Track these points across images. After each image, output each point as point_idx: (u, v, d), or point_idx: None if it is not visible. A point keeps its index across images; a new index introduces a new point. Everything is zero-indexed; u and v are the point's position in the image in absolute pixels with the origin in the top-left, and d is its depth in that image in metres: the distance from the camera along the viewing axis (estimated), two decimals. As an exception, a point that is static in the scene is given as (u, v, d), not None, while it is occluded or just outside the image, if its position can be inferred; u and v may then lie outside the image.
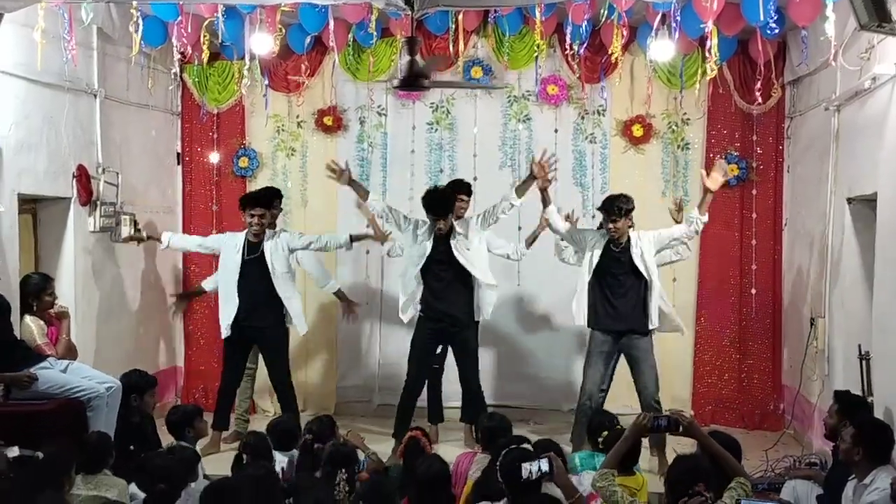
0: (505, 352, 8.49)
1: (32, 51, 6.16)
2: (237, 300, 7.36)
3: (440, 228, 7.11)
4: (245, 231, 7.47)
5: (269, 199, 7.56)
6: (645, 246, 6.88)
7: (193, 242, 7.83)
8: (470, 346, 7.42)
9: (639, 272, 6.83)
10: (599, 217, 8.27)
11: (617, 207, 6.81)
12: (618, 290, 6.91)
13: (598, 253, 6.95)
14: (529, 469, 4.36)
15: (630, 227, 6.92)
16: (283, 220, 8.69)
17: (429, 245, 7.18)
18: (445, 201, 7.16)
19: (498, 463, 4.59)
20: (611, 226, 6.85)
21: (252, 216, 7.33)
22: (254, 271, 7.36)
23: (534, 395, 8.64)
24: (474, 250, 7.25)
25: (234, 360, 7.63)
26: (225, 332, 7.48)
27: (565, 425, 8.02)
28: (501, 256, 7.72)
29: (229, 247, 7.48)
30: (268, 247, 7.38)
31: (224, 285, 7.49)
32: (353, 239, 7.57)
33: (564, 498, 4.38)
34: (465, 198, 7.61)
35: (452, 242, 7.17)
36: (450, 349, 7.59)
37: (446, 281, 7.24)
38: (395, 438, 7.24)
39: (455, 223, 7.25)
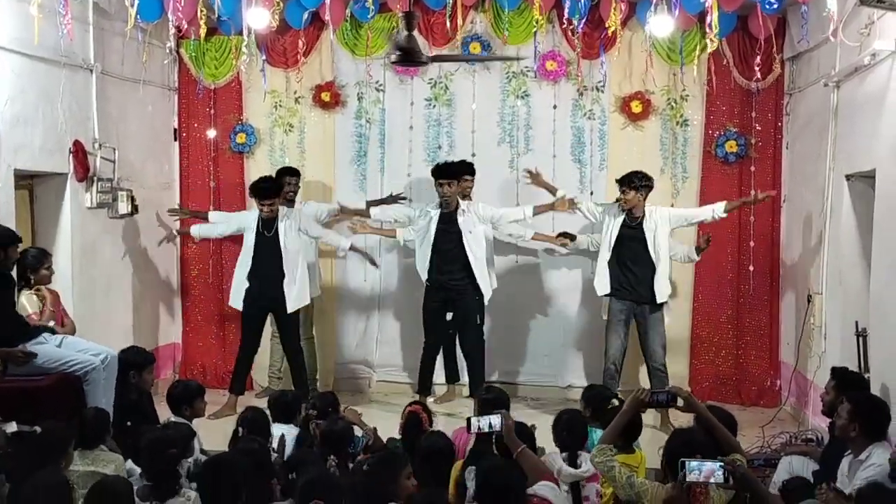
0: (503, 328, 8.48)
1: (28, 26, 6.14)
2: (252, 274, 7.69)
3: (446, 194, 7.50)
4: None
5: (277, 189, 7.67)
6: (659, 222, 7.29)
7: (216, 232, 8.12)
8: (471, 316, 7.72)
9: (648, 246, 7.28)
10: (598, 195, 8.35)
11: (628, 180, 7.22)
12: (631, 261, 7.35)
13: (617, 224, 7.37)
14: (479, 424, 4.69)
15: (641, 202, 7.29)
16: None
17: (434, 216, 7.61)
18: (452, 167, 7.62)
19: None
20: (621, 196, 7.26)
21: (262, 205, 7.56)
22: (268, 248, 7.64)
23: (532, 370, 8.66)
24: (476, 234, 7.62)
25: (252, 330, 7.87)
26: (233, 301, 7.86)
27: (563, 401, 8.07)
28: (511, 236, 8.10)
29: (246, 224, 7.77)
30: (282, 227, 7.63)
31: (241, 259, 7.79)
32: (351, 248, 8.10)
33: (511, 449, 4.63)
34: (468, 177, 7.88)
35: (459, 218, 7.56)
36: None
37: (449, 253, 7.62)
38: (419, 394, 7.84)
39: (462, 202, 7.62)
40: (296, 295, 7.68)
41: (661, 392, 4.85)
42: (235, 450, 4.85)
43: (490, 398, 5.81)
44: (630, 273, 7.35)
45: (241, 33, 7.48)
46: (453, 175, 7.56)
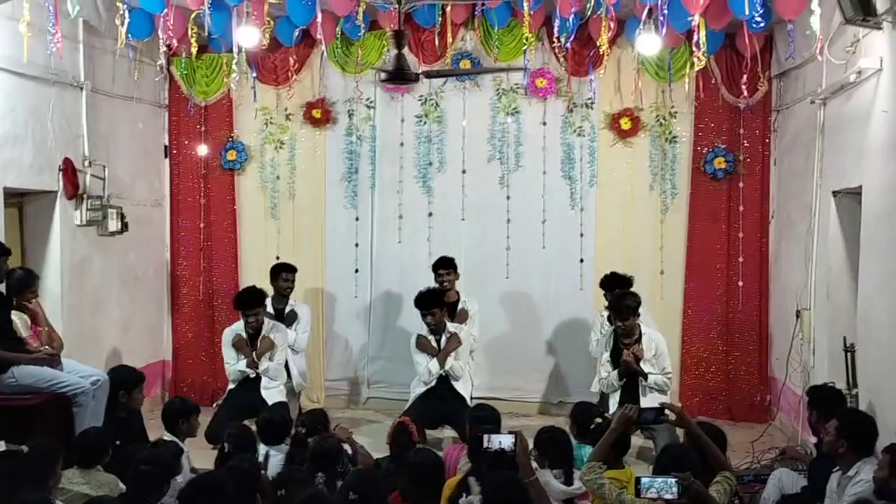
0: (494, 344, 8.47)
1: (18, 43, 6.13)
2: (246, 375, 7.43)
3: (430, 322, 7.28)
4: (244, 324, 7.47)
5: (261, 298, 7.46)
6: (653, 352, 6.90)
7: (236, 364, 7.51)
8: (463, 411, 7.00)
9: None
10: (588, 210, 8.39)
11: (626, 306, 6.81)
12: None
13: (608, 353, 7.00)
14: (490, 440, 4.59)
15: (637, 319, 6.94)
16: (272, 217, 8.71)
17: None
18: (431, 298, 7.31)
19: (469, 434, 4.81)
20: (620, 324, 6.86)
21: (247, 316, 7.35)
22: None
23: (524, 387, 8.64)
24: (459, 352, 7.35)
25: (234, 408, 7.30)
26: (232, 384, 7.55)
27: (553, 417, 8.07)
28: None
29: (231, 338, 7.50)
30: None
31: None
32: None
33: (521, 476, 4.49)
34: (442, 272, 7.67)
35: (443, 339, 7.33)
36: None
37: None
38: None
39: (449, 325, 7.38)
40: (276, 397, 7.36)
41: (649, 409, 4.86)
42: (222, 469, 4.82)
43: (482, 415, 5.80)
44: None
45: (231, 51, 7.50)
46: (437, 304, 7.30)
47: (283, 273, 7.92)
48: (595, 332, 7.53)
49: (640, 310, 7.02)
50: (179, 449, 5.25)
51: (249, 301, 7.38)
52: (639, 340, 6.92)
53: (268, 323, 7.48)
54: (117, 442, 5.49)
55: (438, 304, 7.34)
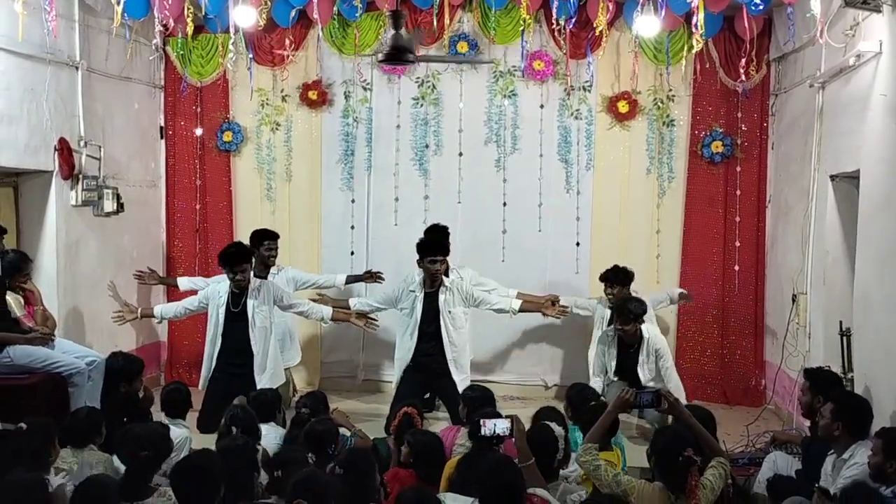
0: (488, 328, 8.45)
1: (13, 22, 6.10)
2: (219, 357, 7.07)
3: (438, 272, 7.10)
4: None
5: (247, 253, 7.08)
6: (651, 353, 7.08)
7: (182, 308, 7.26)
8: (454, 392, 7.02)
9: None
10: (584, 194, 8.38)
11: (629, 311, 6.96)
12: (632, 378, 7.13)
13: (613, 353, 7.22)
14: (486, 425, 4.60)
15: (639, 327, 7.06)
16: (268, 199, 8.69)
17: (420, 296, 7.21)
18: (443, 242, 7.25)
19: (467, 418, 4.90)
20: (620, 328, 7.04)
21: (234, 273, 6.88)
22: (235, 326, 7.01)
23: (518, 370, 8.68)
24: (456, 315, 7.25)
25: (214, 407, 6.68)
26: (203, 384, 7.13)
27: (547, 400, 8.07)
28: (495, 312, 7.48)
29: (215, 296, 7.11)
30: (250, 304, 6.99)
31: (208, 336, 7.15)
32: (333, 318, 7.33)
33: (518, 460, 4.47)
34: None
35: (440, 297, 7.18)
36: None
37: (429, 334, 7.22)
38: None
39: (445, 280, 7.23)
40: (268, 381, 6.94)
41: (646, 393, 4.88)
42: (210, 450, 4.81)
43: (475, 396, 5.81)
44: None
45: (227, 31, 7.46)
46: (447, 251, 7.17)
47: (264, 241, 7.58)
48: (595, 319, 7.59)
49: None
50: (166, 429, 5.19)
51: (234, 256, 6.89)
52: (640, 345, 7.04)
53: (253, 282, 7.07)
54: (124, 419, 5.51)
55: (448, 251, 7.21)
